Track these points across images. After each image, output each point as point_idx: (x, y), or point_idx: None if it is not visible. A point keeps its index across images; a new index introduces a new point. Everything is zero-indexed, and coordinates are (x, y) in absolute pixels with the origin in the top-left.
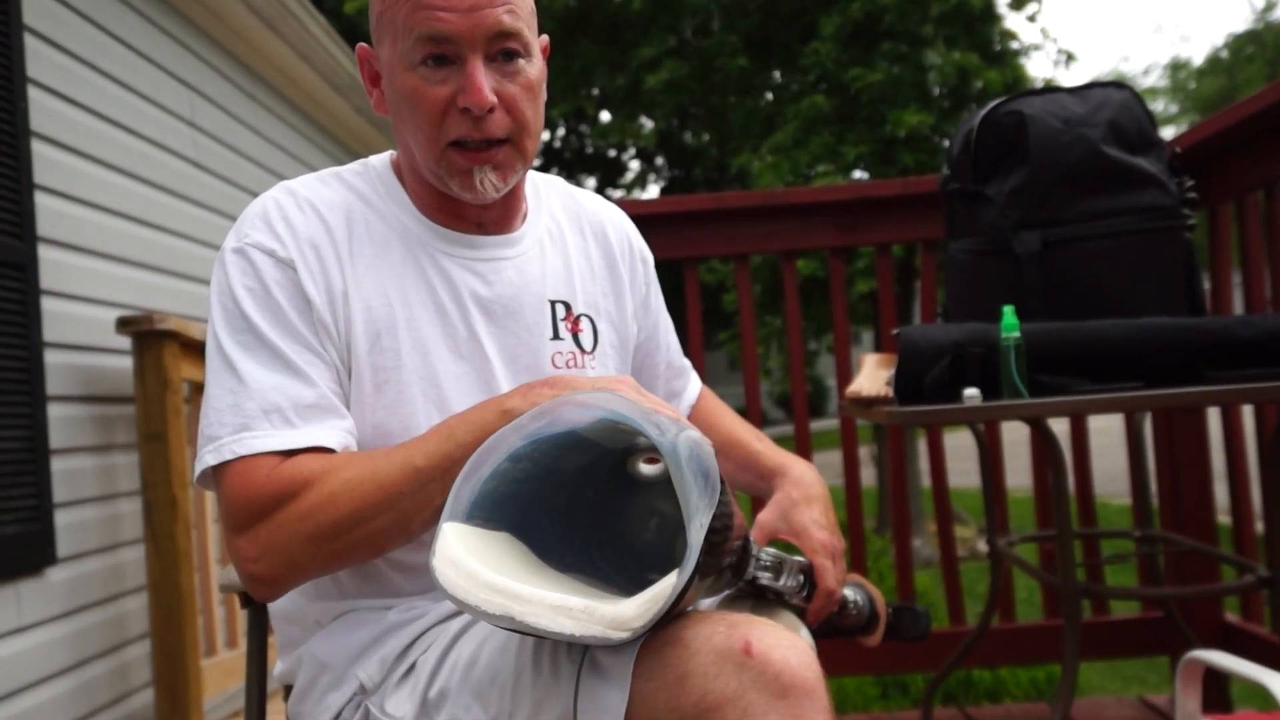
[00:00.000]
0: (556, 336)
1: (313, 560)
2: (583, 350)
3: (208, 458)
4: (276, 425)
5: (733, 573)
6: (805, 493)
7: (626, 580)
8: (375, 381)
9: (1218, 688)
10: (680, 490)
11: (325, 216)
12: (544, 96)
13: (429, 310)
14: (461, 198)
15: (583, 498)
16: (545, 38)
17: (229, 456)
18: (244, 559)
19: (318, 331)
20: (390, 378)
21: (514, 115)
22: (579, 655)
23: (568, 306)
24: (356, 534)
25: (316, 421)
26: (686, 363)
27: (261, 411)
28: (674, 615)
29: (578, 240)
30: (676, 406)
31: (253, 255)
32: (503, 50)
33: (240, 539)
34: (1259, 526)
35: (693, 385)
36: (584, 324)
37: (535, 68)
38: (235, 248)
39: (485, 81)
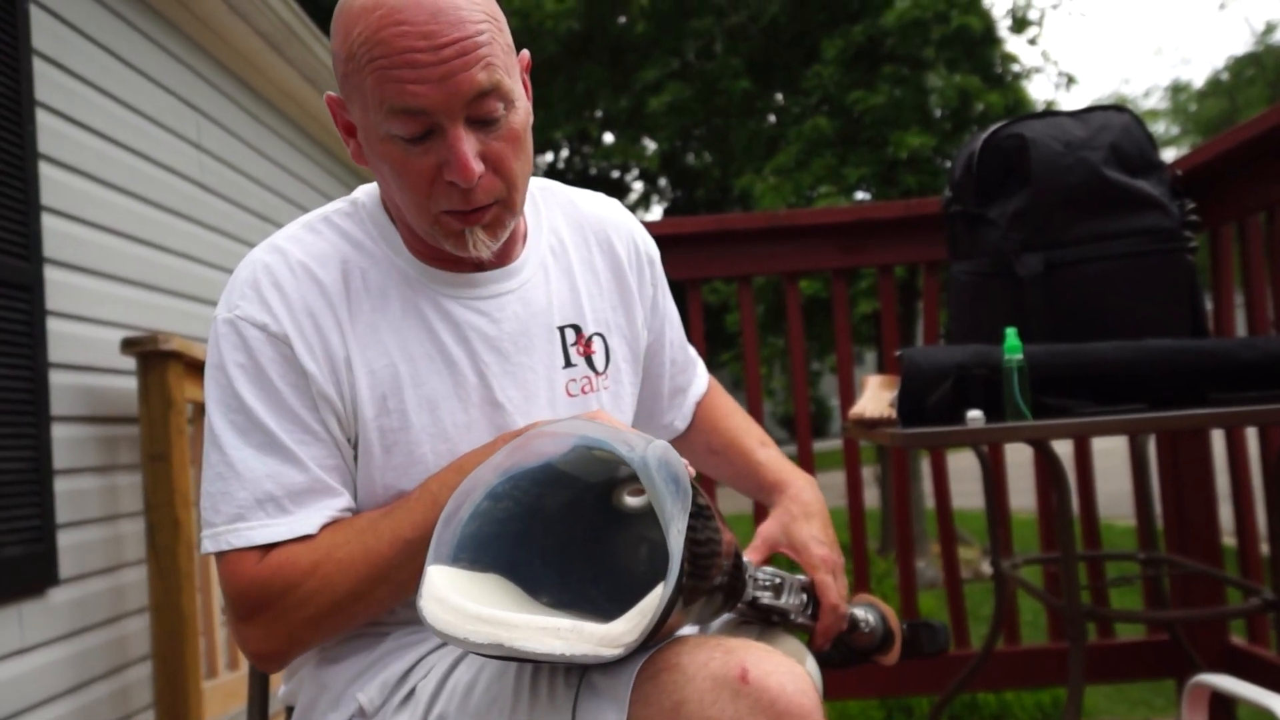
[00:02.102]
0: (569, 364)
1: (315, 636)
2: (596, 372)
3: (206, 544)
4: (271, 515)
5: (728, 594)
6: (804, 509)
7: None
8: (384, 445)
9: (1224, 711)
10: (654, 499)
11: (319, 276)
12: (530, 122)
13: (434, 361)
14: (456, 254)
15: (573, 538)
16: (525, 54)
17: (225, 548)
18: (247, 641)
19: (317, 404)
20: (398, 439)
21: (502, 174)
22: (576, 679)
23: (577, 330)
24: (355, 609)
25: (310, 504)
26: (692, 354)
27: (255, 501)
28: (668, 632)
29: (583, 253)
30: (682, 403)
31: (244, 329)
32: (484, 113)
33: (243, 626)
34: (1264, 549)
35: (699, 380)
36: (596, 344)
37: (520, 113)
38: (226, 319)
39: (469, 149)
